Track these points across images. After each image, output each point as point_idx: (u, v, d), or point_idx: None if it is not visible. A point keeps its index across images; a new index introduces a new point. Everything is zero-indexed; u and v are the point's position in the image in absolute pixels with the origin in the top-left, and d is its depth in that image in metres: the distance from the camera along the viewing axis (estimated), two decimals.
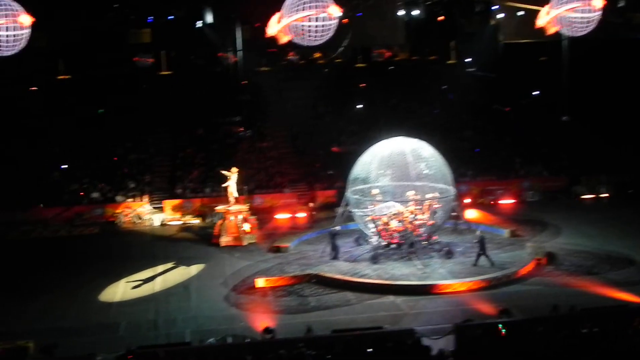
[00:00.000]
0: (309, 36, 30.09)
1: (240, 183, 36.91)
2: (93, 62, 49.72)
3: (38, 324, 25.06)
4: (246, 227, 35.18)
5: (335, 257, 30.77)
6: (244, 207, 36.03)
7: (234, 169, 35.89)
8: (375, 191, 31.72)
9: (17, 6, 34.96)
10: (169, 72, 54.10)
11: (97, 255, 34.75)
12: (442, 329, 20.67)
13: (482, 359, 15.55)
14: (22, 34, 37.09)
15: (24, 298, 28.13)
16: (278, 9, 41.54)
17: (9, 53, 37.88)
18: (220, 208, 36.20)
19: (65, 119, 47.70)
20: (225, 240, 34.53)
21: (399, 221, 30.47)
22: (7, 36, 36.23)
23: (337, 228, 31.90)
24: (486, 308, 24.44)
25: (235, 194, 35.88)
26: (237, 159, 46.06)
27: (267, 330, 21.80)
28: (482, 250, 28.84)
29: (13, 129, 46.41)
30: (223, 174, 36.03)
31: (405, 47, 56.85)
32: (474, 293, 26.36)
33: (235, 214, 35.08)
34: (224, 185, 36.08)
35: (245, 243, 34.33)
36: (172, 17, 49.33)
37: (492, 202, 41.29)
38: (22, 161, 44.39)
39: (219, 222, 35.72)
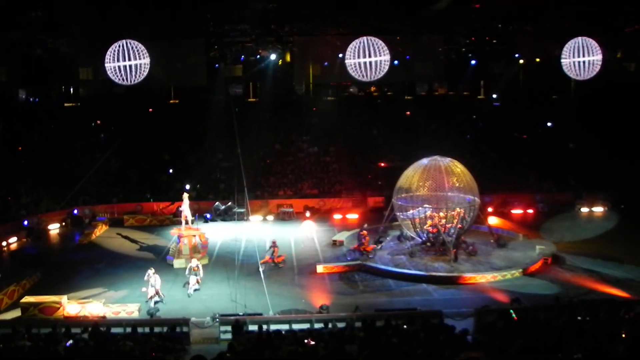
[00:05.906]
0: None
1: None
2: (195, 90, 50.87)
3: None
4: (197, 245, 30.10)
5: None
6: (198, 230, 31.08)
7: (185, 194, 31.34)
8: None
9: (138, 45, 35.91)
10: (255, 99, 54.85)
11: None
12: (465, 313, 20.55)
13: (496, 338, 15.42)
14: (144, 68, 38.21)
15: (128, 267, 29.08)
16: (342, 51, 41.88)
17: (132, 82, 39.09)
18: (174, 231, 31.01)
19: (173, 134, 48.88)
20: (178, 262, 29.17)
21: (433, 224, 30.32)
22: (129, 67, 37.28)
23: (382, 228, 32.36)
24: (501, 297, 24.23)
25: (190, 217, 30.83)
26: (306, 170, 46.52)
27: (323, 307, 21.97)
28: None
29: (139, 142, 47.83)
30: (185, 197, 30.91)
31: (444, 84, 56.54)
32: (491, 284, 26.09)
33: (188, 237, 29.88)
34: (179, 208, 31.20)
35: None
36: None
37: (510, 211, 40.53)
38: (142, 165, 45.88)
39: (174, 245, 30.69)
